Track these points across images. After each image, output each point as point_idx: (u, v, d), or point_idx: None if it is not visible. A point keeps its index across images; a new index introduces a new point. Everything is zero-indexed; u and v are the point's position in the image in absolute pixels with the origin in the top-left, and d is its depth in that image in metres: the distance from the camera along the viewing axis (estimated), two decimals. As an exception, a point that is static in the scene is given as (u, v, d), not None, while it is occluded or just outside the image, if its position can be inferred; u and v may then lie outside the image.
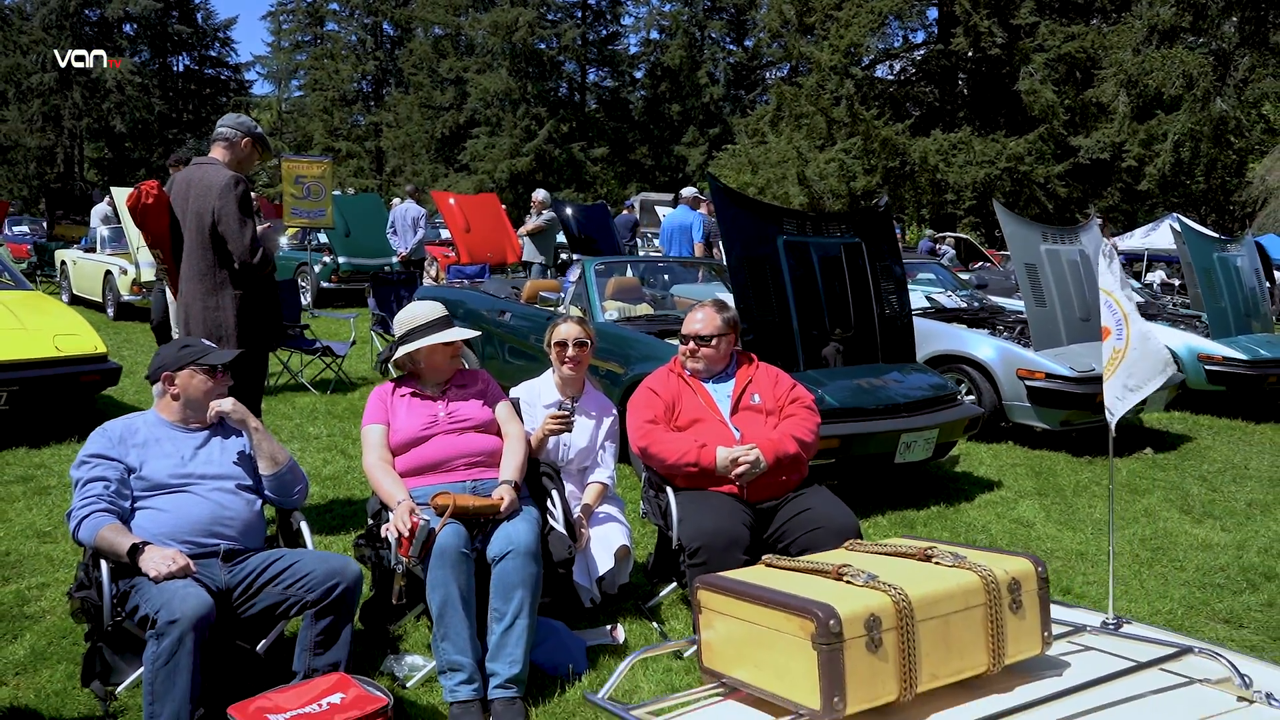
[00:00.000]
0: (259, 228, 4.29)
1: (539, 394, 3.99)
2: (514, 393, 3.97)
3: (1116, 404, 2.14)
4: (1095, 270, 1.92)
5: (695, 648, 1.73)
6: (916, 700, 1.54)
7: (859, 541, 1.87)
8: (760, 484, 3.50)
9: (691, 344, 3.72)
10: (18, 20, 37.72)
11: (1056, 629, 1.85)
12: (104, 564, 2.75)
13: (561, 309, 6.57)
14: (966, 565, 1.66)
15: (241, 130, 4.36)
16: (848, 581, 1.60)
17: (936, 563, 1.69)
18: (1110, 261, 1.99)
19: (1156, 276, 18.46)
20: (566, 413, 3.71)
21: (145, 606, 2.60)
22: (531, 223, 12.19)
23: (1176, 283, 17.22)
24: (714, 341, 3.72)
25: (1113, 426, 2.19)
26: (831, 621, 1.45)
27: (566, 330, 3.93)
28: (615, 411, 4.07)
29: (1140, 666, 1.66)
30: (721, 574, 1.72)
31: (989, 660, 1.62)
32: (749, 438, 3.55)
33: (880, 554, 1.78)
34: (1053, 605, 2.04)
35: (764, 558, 1.81)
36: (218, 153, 4.33)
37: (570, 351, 3.89)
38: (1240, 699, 1.60)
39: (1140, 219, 23.84)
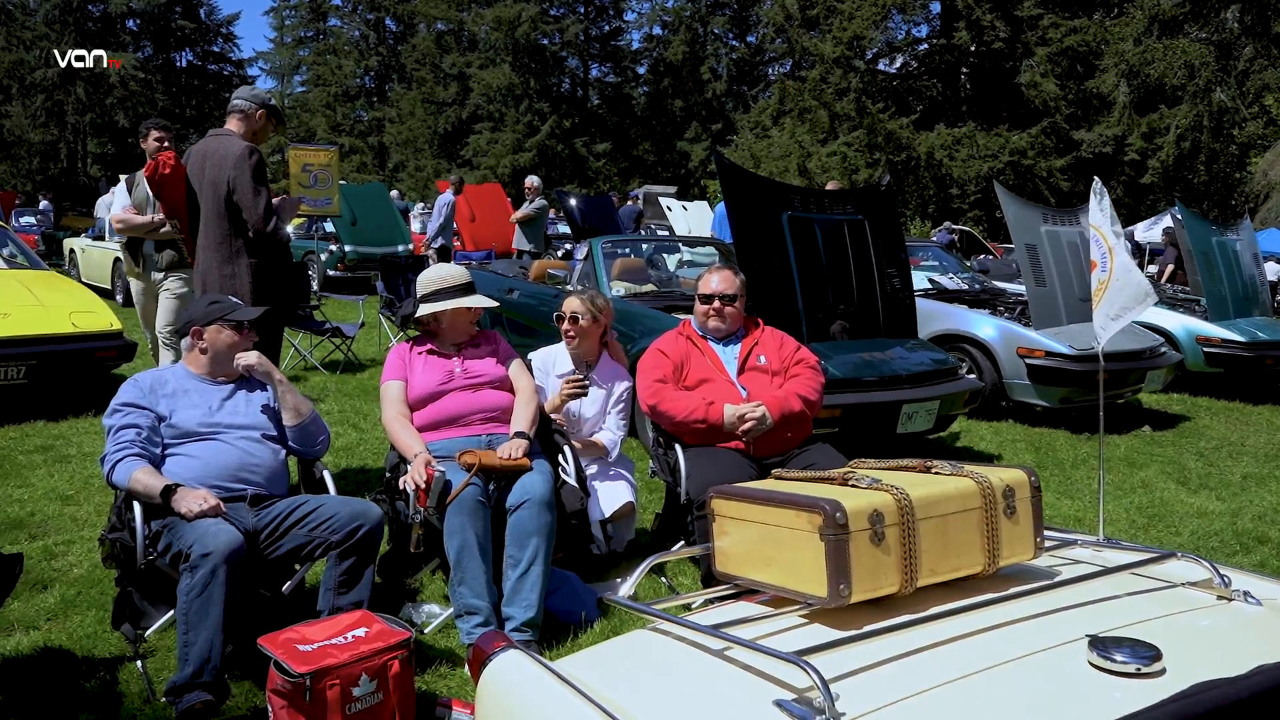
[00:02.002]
0: (274, 199, 4.40)
1: (554, 361, 4.12)
2: (531, 357, 4.11)
3: (1102, 331, 2.27)
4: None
5: (708, 554, 1.84)
6: (916, 594, 1.65)
7: (863, 460, 1.98)
8: (766, 440, 3.61)
9: (716, 303, 3.84)
10: (21, 16, 37.81)
11: (1050, 544, 1.96)
12: (137, 506, 2.85)
13: (569, 287, 6.69)
14: (964, 474, 1.77)
15: (256, 102, 4.45)
16: (852, 485, 1.71)
17: (936, 472, 1.80)
18: (1100, 199, 2.10)
19: (1158, 269, 18.56)
20: (580, 377, 3.85)
21: (178, 544, 2.71)
22: (522, 210, 12.25)
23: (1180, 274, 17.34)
24: (735, 301, 3.84)
25: (1100, 352, 2.31)
26: (838, 514, 1.56)
27: (569, 304, 4.09)
28: (630, 381, 4.18)
29: (1124, 567, 1.77)
30: (733, 484, 1.83)
31: (985, 560, 1.73)
32: (755, 396, 3.67)
33: (883, 468, 1.89)
34: (1049, 530, 2.16)
35: (773, 471, 1.92)
36: (233, 124, 4.42)
37: (566, 326, 4.07)
38: (1220, 597, 1.71)
39: (1143, 213, 23.95)
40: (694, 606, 1.80)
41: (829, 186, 11.48)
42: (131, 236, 5.81)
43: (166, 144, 5.67)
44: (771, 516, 1.67)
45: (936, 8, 28.55)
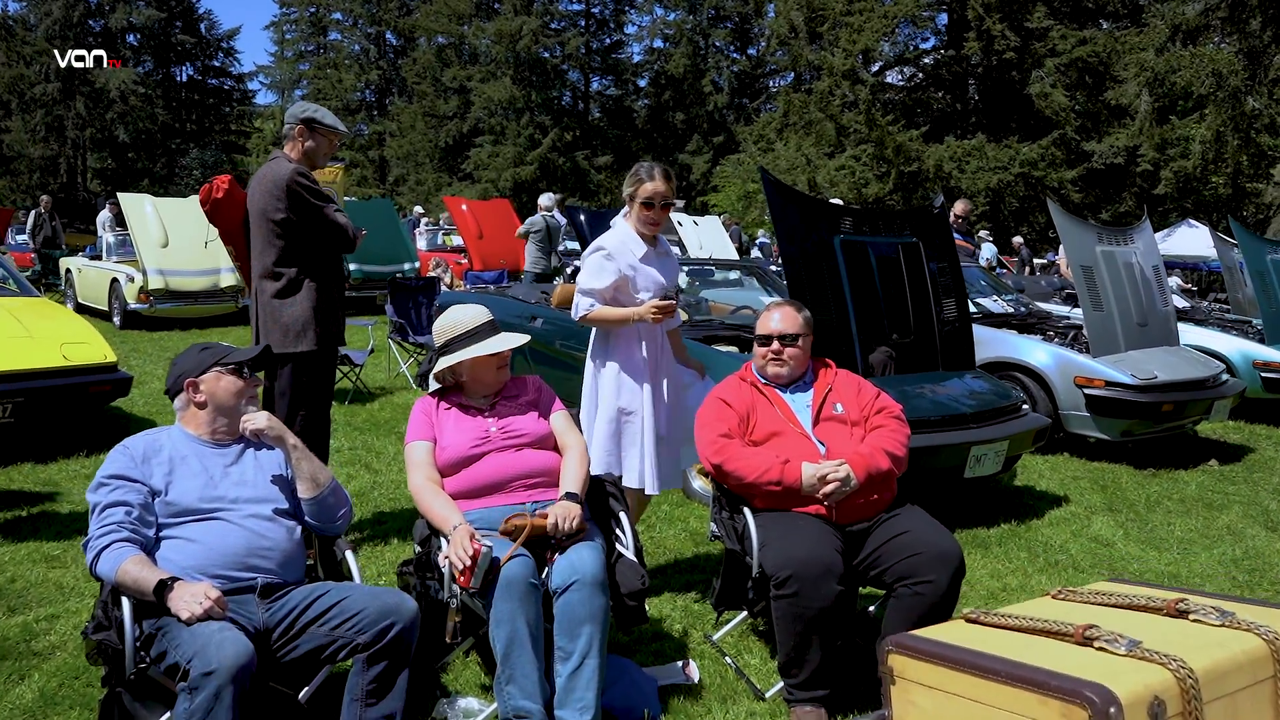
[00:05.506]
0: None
1: (626, 246, 3.79)
2: (598, 242, 3.82)
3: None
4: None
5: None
6: (1200, 804, 1.19)
7: (1071, 590, 1.51)
8: (850, 504, 3.14)
9: (775, 344, 3.37)
10: (21, 30, 37.51)
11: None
12: (125, 602, 2.39)
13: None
14: (1241, 625, 1.31)
15: (293, 120, 4.20)
16: (1101, 648, 1.24)
17: (1197, 620, 1.34)
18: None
19: (1172, 283, 18.17)
20: (671, 300, 3.66)
21: (175, 654, 2.25)
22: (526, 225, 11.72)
23: (1211, 291, 16.97)
24: (799, 341, 3.37)
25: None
26: (1112, 709, 1.10)
27: (653, 188, 3.75)
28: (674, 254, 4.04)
29: None
30: (917, 634, 1.37)
31: (1278, 747, 1.27)
32: (835, 452, 3.20)
33: (1117, 606, 1.42)
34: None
35: (965, 612, 1.46)
36: (286, 148, 4.19)
37: (654, 213, 3.78)
38: None
39: (1154, 225, 23.53)
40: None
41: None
42: None
43: None
44: (995, 696, 1.21)
45: (944, 19, 28.26)
